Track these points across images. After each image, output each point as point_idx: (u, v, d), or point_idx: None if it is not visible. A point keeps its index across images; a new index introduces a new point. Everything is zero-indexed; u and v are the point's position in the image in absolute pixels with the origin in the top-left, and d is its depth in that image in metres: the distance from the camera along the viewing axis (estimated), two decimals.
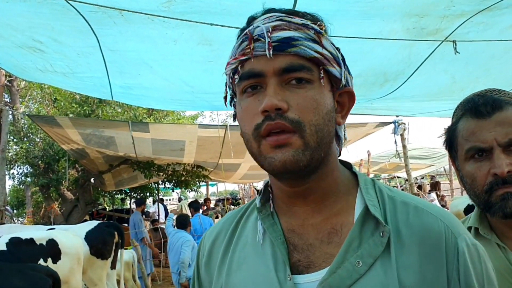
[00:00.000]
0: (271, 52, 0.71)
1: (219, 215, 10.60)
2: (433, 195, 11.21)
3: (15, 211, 13.23)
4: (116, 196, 12.61)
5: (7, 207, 6.18)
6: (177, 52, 2.93)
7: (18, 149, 8.62)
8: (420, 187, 12.72)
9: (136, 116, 8.55)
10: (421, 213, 0.74)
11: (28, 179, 9.08)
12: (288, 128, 0.70)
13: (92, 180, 9.14)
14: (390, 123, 6.34)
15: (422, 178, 16.06)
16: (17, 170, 9.52)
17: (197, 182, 10.38)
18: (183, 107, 6.05)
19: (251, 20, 0.79)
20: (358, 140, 7.50)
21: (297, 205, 0.79)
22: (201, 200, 14.27)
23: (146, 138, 6.29)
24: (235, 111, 0.83)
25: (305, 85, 0.72)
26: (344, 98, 0.81)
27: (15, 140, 8.79)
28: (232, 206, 13.70)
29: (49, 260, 3.48)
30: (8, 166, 8.61)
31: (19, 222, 11.24)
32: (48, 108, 10.06)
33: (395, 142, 6.27)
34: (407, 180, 7.40)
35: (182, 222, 5.88)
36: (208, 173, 9.26)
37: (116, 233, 4.60)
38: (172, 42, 2.77)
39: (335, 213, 0.77)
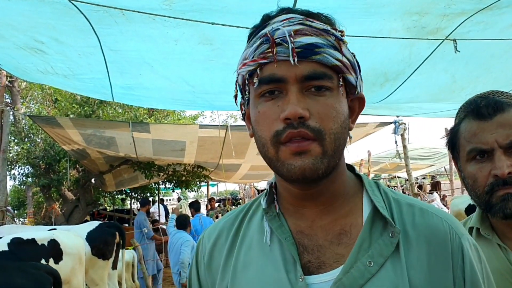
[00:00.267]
0: (295, 59, 0.70)
1: (219, 215, 10.61)
2: (436, 195, 11.19)
3: (16, 211, 13.26)
4: (116, 196, 12.63)
5: (8, 207, 6.19)
6: (178, 52, 2.93)
7: (19, 150, 8.64)
8: (420, 187, 12.72)
9: (137, 116, 8.56)
10: (426, 214, 0.77)
11: (29, 179, 9.10)
12: (310, 136, 0.70)
13: (92, 180, 9.16)
14: (391, 123, 6.35)
15: (423, 178, 16.06)
16: (18, 171, 9.56)
17: (198, 182, 10.39)
18: (184, 106, 6.05)
19: (266, 19, 0.77)
20: (359, 140, 7.50)
21: (306, 207, 0.80)
22: (201, 200, 14.30)
23: (146, 139, 6.30)
24: (243, 111, 0.83)
25: (325, 93, 0.72)
26: (355, 103, 0.82)
27: (16, 140, 8.81)
28: (233, 206, 13.71)
29: (51, 260, 3.48)
30: (9, 166, 8.63)
31: (20, 222, 11.25)
32: (49, 109, 10.08)
33: (396, 142, 6.28)
34: (407, 180, 7.41)
35: (182, 223, 5.89)
36: (209, 173, 9.28)
37: (117, 233, 4.61)
38: (173, 42, 2.77)
39: (343, 214, 0.78)
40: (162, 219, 11.48)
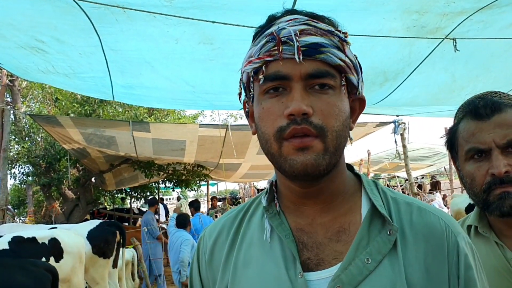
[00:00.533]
0: (301, 57, 0.72)
1: (219, 214, 10.62)
2: (437, 194, 11.20)
3: (16, 210, 13.26)
4: (116, 195, 12.64)
5: (8, 206, 6.20)
6: (179, 51, 2.94)
7: (19, 149, 8.65)
8: (420, 186, 12.74)
9: (137, 115, 8.58)
10: (423, 213, 0.78)
11: (30, 178, 9.11)
12: (312, 132, 0.72)
13: (93, 179, 9.18)
14: (390, 122, 6.35)
15: (422, 177, 16.07)
16: (18, 170, 9.56)
17: (198, 182, 10.40)
18: (184, 106, 6.07)
19: (272, 19, 0.79)
20: (358, 140, 7.51)
21: (307, 204, 0.81)
22: (201, 199, 14.30)
23: (147, 138, 6.31)
24: (247, 109, 0.85)
25: (327, 91, 0.74)
26: (356, 104, 0.83)
27: (16, 139, 8.82)
28: (233, 206, 13.72)
29: (52, 259, 3.50)
30: (10, 165, 8.64)
31: (20, 221, 11.27)
32: (50, 108, 10.10)
33: (395, 141, 6.28)
34: (407, 180, 7.41)
35: (182, 222, 5.91)
36: (209, 172, 9.29)
37: (118, 232, 4.62)
38: (173, 41, 2.77)
39: (342, 212, 0.80)
40: (162, 218, 11.50)
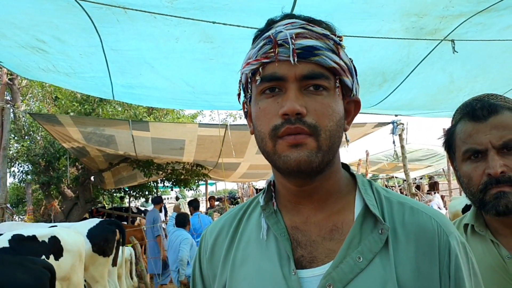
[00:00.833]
0: (295, 59, 0.74)
1: (218, 213, 10.62)
2: (437, 195, 11.20)
3: (14, 208, 13.25)
4: (115, 194, 12.64)
5: (7, 205, 6.20)
6: (179, 50, 2.95)
7: (19, 147, 8.66)
8: (418, 187, 12.75)
9: (136, 114, 8.59)
10: (416, 212, 0.80)
11: (29, 177, 9.12)
12: (306, 131, 0.74)
13: (92, 178, 9.17)
14: (389, 123, 6.36)
15: (421, 178, 16.09)
16: (18, 168, 9.57)
17: (197, 181, 10.41)
18: (184, 106, 6.08)
19: (270, 23, 0.82)
20: (357, 140, 7.53)
21: (302, 203, 0.83)
22: (200, 199, 14.29)
23: (146, 137, 6.32)
24: (246, 109, 0.87)
25: (322, 92, 0.76)
26: (351, 106, 0.85)
27: (16, 138, 8.82)
28: (231, 205, 13.72)
29: (51, 257, 3.51)
30: (9, 164, 8.63)
31: (20, 219, 11.26)
32: (49, 106, 10.10)
33: (394, 142, 6.30)
34: (405, 180, 7.43)
35: (181, 221, 5.93)
36: (208, 171, 9.29)
37: (117, 230, 4.64)
38: (173, 40, 2.78)
39: (336, 211, 0.82)
40: (162, 218, 11.48)
